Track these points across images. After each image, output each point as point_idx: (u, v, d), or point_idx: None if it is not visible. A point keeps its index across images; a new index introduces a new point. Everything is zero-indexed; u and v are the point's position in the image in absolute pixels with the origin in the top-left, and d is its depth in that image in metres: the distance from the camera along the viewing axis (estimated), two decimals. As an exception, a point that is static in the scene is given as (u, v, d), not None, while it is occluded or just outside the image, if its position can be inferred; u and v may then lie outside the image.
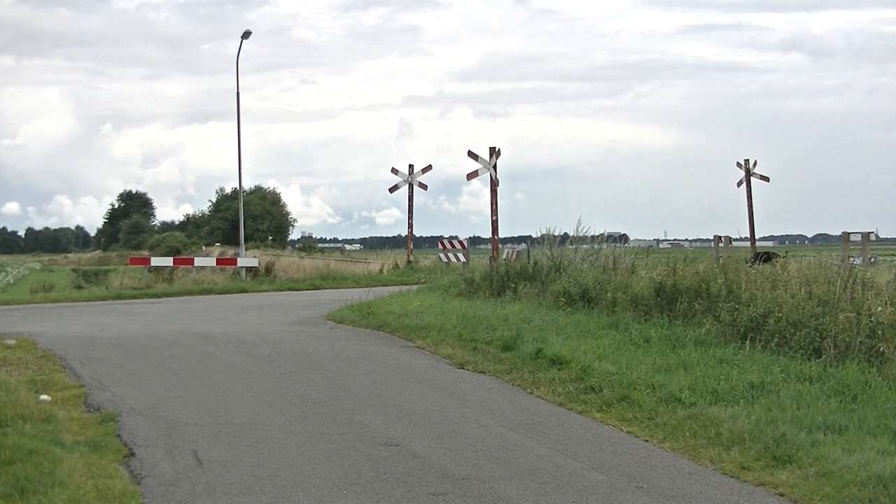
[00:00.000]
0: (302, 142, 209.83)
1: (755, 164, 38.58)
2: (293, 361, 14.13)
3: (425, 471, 8.02)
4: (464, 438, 9.17)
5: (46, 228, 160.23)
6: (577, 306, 16.97)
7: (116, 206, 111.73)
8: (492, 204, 27.56)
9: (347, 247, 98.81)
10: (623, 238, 32.14)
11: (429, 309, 19.17)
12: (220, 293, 31.84)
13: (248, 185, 77.78)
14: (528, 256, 22.77)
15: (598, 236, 22.68)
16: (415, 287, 26.45)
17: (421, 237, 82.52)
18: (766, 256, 20.71)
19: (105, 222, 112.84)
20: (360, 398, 11.21)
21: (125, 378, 12.75)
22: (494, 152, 27.46)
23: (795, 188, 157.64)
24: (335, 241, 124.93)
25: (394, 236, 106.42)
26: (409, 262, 39.89)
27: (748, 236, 39.08)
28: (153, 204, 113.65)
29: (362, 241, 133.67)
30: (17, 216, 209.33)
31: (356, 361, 14.09)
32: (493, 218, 27.45)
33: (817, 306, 12.12)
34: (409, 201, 39.99)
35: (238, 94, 39.67)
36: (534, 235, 25.54)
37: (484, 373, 12.96)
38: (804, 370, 10.63)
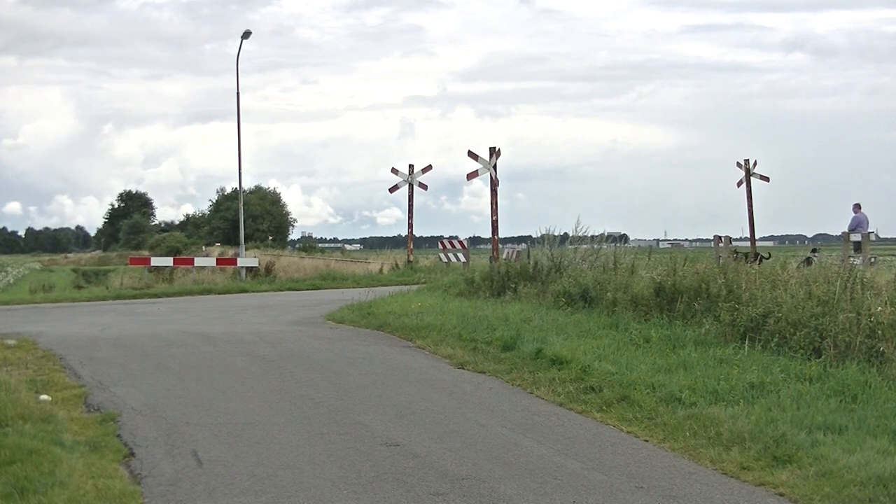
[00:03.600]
0: (303, 142, 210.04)
1: (755, 163, 38.52)
2: (293, 361, 14.13)
3: (425, 471, 8.02)
4: (464, 438, 9.17)
5: (46, 228, 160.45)
6: (577, 306, 16.98)
7: (116, 206, 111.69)
8: (492, 204, 27.55)
9: (347, 247, 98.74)
10: (623, 238, 32.19)
11: (429, 309, 19.17)
12: (220, 293, 31.84)
13: (248, 185, 77.85)
14: (529, 256, 22.76)
15: (598, 236, 22.70)
16: (415, 287, 26.46)
17: (421, 237, 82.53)
18: (755, 256, 20.71)
19: (105, 222, 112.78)
20: (360, 398, 11.21)
21: (125, 378, 12.75)
22: (494, 152, 27.45)
23: (796, 188, 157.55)
24: (335, 240, 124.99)
25: (394, 236, 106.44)
26: (409, 262, 39.86)
27: (748, 236, 39.09)
28: (153, 204, 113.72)
29: (362, 240, 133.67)
30: (18, 216, 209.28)
31: (356, 361, 14.09)
32: (494, 218, 27.44)
33: (817, 306, 12.12)
34: (409, 201, 39.97)
35: (238, 94, 39.75)
36: (534, 235, 25.55)
37: (484, 373, 12.96)
38: (804, 370, 10.63)
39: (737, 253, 20.07)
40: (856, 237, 22.33)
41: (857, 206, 26.43)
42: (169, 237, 71.04)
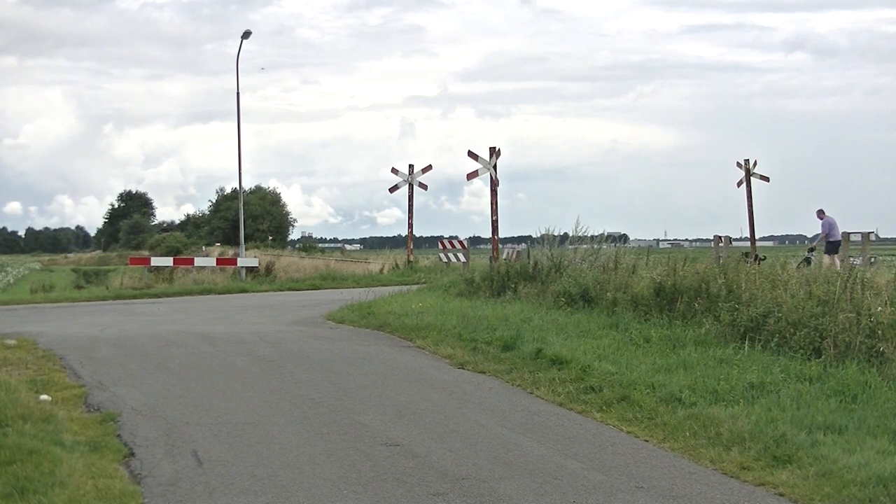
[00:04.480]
0: (303, 142, 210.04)
1: (755, 163, 38.50)
2: (293, 361, 14.13)
3: (425, 471, 8.02)
4: (464, 438, 9.17)
5: (46, 228, 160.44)
6: (577, 306, 16.98)
7: (116, 206, 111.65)
8: (492, 204, 27.55)
9: (347, 247, 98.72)
10: (623, 238, 32.21)
11: (429, 309, 19.17)
12: (220, 293, 31.85)
13: (248, 185, 77.76)
14: (528, 256, 22.76)
15: (598, 236, 22.71)
16: (415, 287, 26.46)
17: (421, 237, 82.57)
18: (755, 257, 20.77)
19: (105, 222, 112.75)
20: (360, 398, 11.21)
21: (125, 378, 12.75)
22: (494, 152, 27.45)
23: (796, 188, 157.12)
24: (335, 240, 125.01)
25: (394, 236, 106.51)
26: (409, 262, 39.86)
27: (748, 236, 39.09)
28: (153, 204, 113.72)
29: (362, 241, 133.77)
30: (18, 216, 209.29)
31: (356, 361, 14.09)
32: (494, 218, 27.44)
33: (817, 306, 12.13)
34: (409, 201, 39.96)
35: (238, 94, 39.78)
36: (534, 235, 25.56)
37: (484, 373, 12.96)
38: (804, 370, 10.64)
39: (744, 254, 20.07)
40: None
41: (822, 212, 26.46)
42: (169, 237, 70.97)
